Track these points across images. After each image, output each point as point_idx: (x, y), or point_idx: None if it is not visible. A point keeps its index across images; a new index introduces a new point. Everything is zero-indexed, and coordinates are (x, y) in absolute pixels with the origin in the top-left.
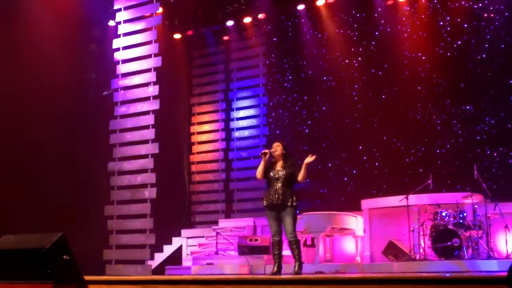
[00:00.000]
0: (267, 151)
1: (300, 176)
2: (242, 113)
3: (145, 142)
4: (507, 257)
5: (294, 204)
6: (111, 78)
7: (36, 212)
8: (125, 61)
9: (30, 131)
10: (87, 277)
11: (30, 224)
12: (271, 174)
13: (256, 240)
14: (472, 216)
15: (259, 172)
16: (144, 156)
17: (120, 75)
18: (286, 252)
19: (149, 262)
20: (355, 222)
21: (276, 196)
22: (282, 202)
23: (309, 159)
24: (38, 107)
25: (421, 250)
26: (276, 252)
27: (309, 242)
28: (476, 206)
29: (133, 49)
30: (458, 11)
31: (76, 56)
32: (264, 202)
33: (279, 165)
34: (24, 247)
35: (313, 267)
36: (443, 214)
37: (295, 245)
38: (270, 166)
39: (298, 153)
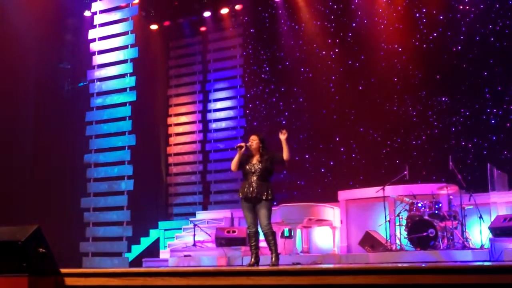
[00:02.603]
0: (242, 144)
1: (285, 155)
2: (219, 105)
3: (121, 133)
4: (481, 247)
5: (270, 197)
6: (87, 69)
7: (11, 204)
8: (101, 52)
9: (4, 123)
10: (63, 270)
11: (5, 216)
12: (247, 167)
13: (234, 231)
14: (447, 207)
15: (233, 164)
16: (121, 148)
17: (96, 66)
18: (264, 243)
19: (126, 255)
20: (332, 213)
21: (251, 189)
22: (256, 196)
23: (282, 135)
24: (12, 98)
25: (397, 241)
26: (253, 244)
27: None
28: (451, 197)
29: (109, 40)
30: (434, 3)
31: (51, 46)
32: (240, 194)
33: (255, 159)
34: None
35: (291, 258)
36: (419, 205)
37: (270, 236)
38: (246, 159)
39: (276, 144)
